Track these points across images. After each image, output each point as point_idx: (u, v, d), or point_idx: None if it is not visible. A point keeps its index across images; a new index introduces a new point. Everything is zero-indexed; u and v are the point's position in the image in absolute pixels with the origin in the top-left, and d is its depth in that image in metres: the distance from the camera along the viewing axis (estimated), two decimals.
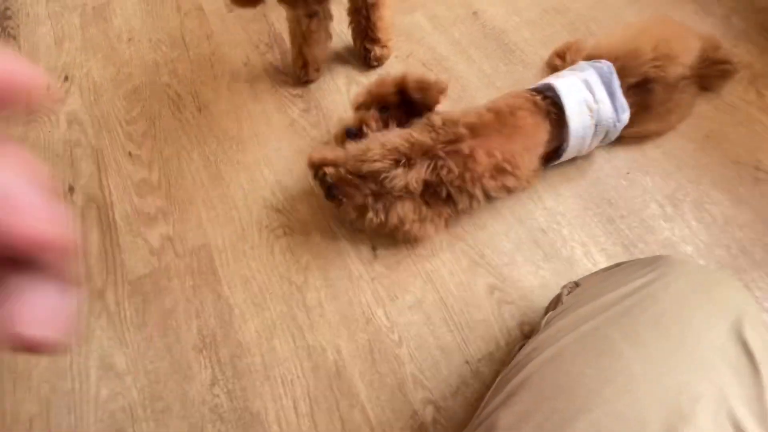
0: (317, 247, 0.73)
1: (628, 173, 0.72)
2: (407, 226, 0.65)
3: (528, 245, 0.69)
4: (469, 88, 0.86)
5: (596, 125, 0.65)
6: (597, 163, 0.74)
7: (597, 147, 0.72)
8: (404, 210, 0.64)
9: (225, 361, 0.65)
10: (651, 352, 0.33)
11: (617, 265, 0.49)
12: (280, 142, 0.84)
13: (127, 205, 0.81)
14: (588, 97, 0.64)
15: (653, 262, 0.43)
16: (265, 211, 0.77)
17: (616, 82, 0.65)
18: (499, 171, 0.63)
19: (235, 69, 0.95)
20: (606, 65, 0.67)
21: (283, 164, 0.82)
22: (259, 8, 1.03)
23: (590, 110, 0.64)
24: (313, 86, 0.90)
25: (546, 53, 0.87)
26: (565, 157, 0.70)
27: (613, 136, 0.69)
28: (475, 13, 0.95)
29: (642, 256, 0.65)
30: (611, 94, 0.65)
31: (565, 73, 0.69)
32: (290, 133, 0.85)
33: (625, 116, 0.66)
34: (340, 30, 0.94)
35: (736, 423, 0.29)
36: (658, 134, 0.74)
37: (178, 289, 0.72)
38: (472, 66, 0.88)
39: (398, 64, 0.91)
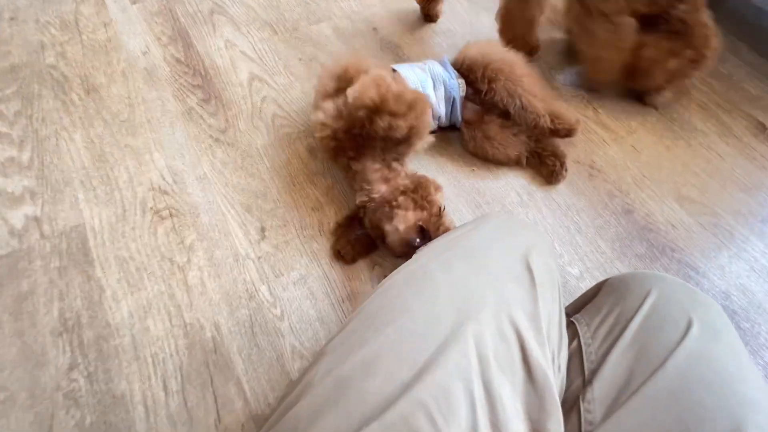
0: (204, 228, 0.72)
1: (473, 170, 0.84)
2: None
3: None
4: None
5: (432, 76, 0.77)
6: (471, 158, 0.85)
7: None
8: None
9: (89, 344, 0.61)
10: (456, 273, 0.40)
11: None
12: (174, 128, 0.84)
13: None
14: (419, 65, 0.79)
15: (480, 217, 0.52)
16: (152, 193, 0.75)
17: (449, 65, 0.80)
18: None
19: (133, 57, 0.94)
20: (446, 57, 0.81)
21: (175, 148, 0.81)
22: (165, 2, 1.04)
23: (420, 69, 0.78)
24: (215, 78, 0.92)
25: None
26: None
27: (454, 92, 0.79)
28: (375, 29, 1.06)
29: None
30: (445, 67, 0.79)
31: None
32: (186, 120, 0.85)
33: (461, 81, 0.79)
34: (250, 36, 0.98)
35: (513, 321, 0.36)
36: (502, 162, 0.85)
37: (40, 271, 0.66)
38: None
39: (301, 66, 0.96)
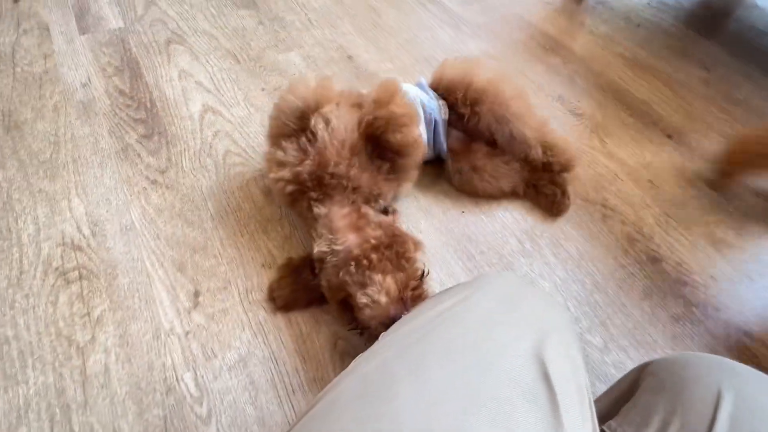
0: (121, 293, 0.57)
1: (462, 212, 0.69)
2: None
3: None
4: None
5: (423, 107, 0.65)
6: (459, 198, 0.71)
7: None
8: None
9: None
10: (430, 388, 0.25)
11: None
12: (103, 169, 0.70)
13: None
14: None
15: (473, 280, 0.37)
16: (61, 249, 0.60)
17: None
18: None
19: (70, 89, 0.82)
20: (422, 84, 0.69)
21: (101, 193, 0.67)
22: (117, 33, 0.95)
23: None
24: (161, 112, 0.80)
25: None
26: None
27: (436, 113, 0.66)
28: (350, 57, 0.96)
29: None
30: (421, 88, 0.68)
31: None
32: (120, 160, 0.72)
33: (441, 103, 0.67)
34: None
35: None
36: (489, 195, 0.72)
37: None
38: None
39: (264, 96, 0.84)
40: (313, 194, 0.54)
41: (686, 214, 0.72)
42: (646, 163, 0.79)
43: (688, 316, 0.60)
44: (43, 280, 0.57)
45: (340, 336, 0.55)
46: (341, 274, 0.48)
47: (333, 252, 0.50)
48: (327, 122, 0.54)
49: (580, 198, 0.73)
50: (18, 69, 0.85)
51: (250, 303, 0.57)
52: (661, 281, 0.63)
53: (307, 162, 0.53)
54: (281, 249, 0.63)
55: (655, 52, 1.03)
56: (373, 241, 0.50)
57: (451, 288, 0.41)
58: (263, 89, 0.86)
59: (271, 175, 0.56)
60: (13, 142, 0.72)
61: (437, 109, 0.66)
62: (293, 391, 0.50)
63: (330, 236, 0.50)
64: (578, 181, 0.75)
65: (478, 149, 0.68)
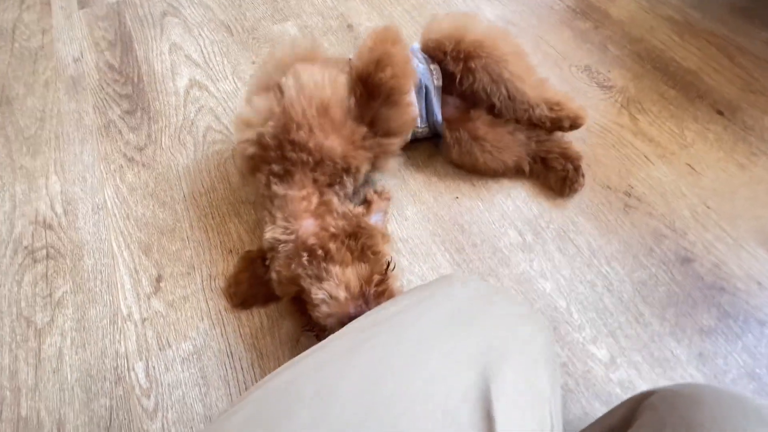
0: (84, 275, 0.55)
1: (456, 198, 0.61)
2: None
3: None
4: None
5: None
6: (454, 181, 0.63)
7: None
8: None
9: None
10: (332, 419, 0.19)
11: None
12: (83, 146, 0.68)
13: None
14: None
15: (434, 282, 0.31)
16: (33, 227, 0.59)
17: (416, 47, 0.59)
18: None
19: (63, 65, 0.81)
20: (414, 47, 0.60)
21: (78, 171, 0.65)
22: (114, 6, 0.92)
23: None
24: (147, 87, 0.77)
25: None
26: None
27: (427, 80, 0.58)
28: (349, 25, 0.88)
29: None
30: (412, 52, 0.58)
31: None
32: (100, 136, 0.69)
33: (434, 67, 0.58)
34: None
35: None
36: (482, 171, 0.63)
37: None
38: None
39: (253, 70, 0.79)
40: (275, 167, 0.48)
41: (732, 206, 0.60)
42: (687, 144, 0.67)
43: (722, 329, 0.50)
44: (12, 259, 0.56)
45: (303, 332, 0.50)
46: (293, 265, 0.43)
47: (285, 241, 0.44)
48: (297, 78, 0.48)
49: (600, 184, 0.62)
50: (16, 45, 0.85)
51: (212, 290, 0.53)
52: (691, 286, 0.53)
53: (270, 122, 0.47)
54: (252, 234, 0.58)
55: (713, 14, 0.87)
56: (332, 230, 0.44)
57: (410, 290, 0.34)
58: (253, 62, 0.81)
59: (236, 136, 0.51)
60: (2, 117, 0.72)
61: (427, 74, 0.57)
62: (242, 388, 0.46)
63: (283, 222, 0.45)
64: (599, 164, 0.64)
65: (477, 117, 0.59)
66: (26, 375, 0.47)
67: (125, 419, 0.45)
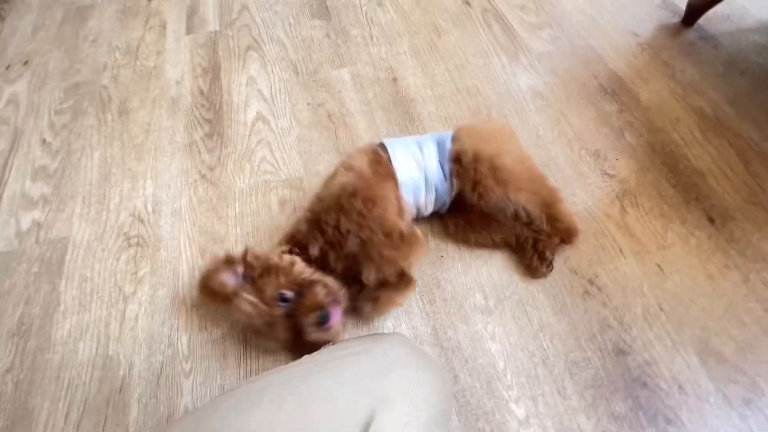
0: (159, 263, 0.76)
1: (441, 256, 0.73)
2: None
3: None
4: (359, 145, 0.90)
5: (425, 178, 0.69)
6: (443, 241, 0.76)
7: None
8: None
9: (28, 353, 0.68)
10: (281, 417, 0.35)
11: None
12: (172, 159, 0.90)
13: (17, 186, 0.87)
14: (416, 153, 0.69)
15: (370, 338, 0.46)
16: (131, 219, 0.82)
17: (449, 146, 0.69)
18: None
19: (168, 85, 1.03)
20: (447, 134, 0.71)
21: (167, 179, 0.87)
22: (212, 35, 1.13)
23: (417, 162, 0.68)
24: (225, 114, 0.97)
25: (442, 129, 0.91)
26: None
27: (445, 197, 0.71)
28: (395, 79, 1.01)
29: (447, 345, 0.66)
30: (441, 154, 0.70)
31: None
32: (185, 153, 0.91)
33: (455, 182, 0.69)
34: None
35: None
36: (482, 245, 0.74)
37: (22, 273, 0.76)
38: (371, 127, 0.93)
39: (307, 111, 0.96)
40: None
41: (685, 313, 0.67)
42: (665, 246, 0.73)
43: (631, 418, 0.59)
44: (115, 241, 0.79)
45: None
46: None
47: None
48: None
49: (569, 268, 0.72)
50: (138, 62, 1.09)
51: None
52: (617, 376, 0.62)
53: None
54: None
55: (748, 114, 0.89)
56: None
57: (358, 339, 0.49)
58: (308, 104, 0.97)
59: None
60: (121, 125, 0.96)
61: (448, 191, 0.69)
62: (250, 373, 0.65)
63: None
64: (574, 249, 0.74)
65: (473, 209, 0.71)
66: (114, 328, 0.70)
67: (170, 373, 0.65)
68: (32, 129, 0.96)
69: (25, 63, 1.10)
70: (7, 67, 1.10)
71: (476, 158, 0.67)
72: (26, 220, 0.82)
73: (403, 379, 0.42)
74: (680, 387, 0.61)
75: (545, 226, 0.69)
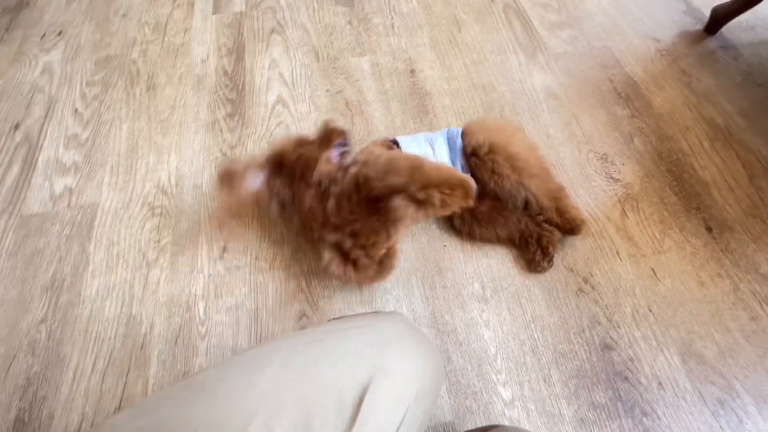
0: (180, 234, 0.81)
1: (445, 246, 0.77)
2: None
3: (352, 287, 0.75)
4: (374, 135, 0.93)
5: None
6: (447, 232, 0.80)
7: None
8: None
9: (60, 306, 0.74)
10: (238, 399, 0.39)
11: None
12: (196, 135, 0.94)
13: (51, 152, 0.93)
14: (428, 150, 0.72)
15: (372, 314, 0.50)
16: (155, 190, 0.87)
17: (459, 143, 0.72)
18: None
19: (194, 63, 1.07)
20: (456, 129, 0.74)
21: (189, 155, 0.91)
22: (238, 16, 1.16)
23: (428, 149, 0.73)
24: (247, 96, 1.00)
25: (455, 123, 0.94)
26: None
27: None
28: (413, 70, 1.03)
29: (443, 328, 0.70)
30: (452, 150, 0.73)
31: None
32: (207, 130, 0.95)
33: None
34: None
35: None
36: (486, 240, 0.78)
37: (55, 234, 0.82)
38: (386, 116, 0.96)
39: (325, 98, 0.99)
40: None
41: (673, 316, 0.70)
42: (661, 251, 0.76)
43: (609, 408, 0.63)
44: (140, 210, 0.84)
45: (305, 313, 0.72)
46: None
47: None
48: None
49: (565, 265, 0.75)
50: (166, 39, 1.13)
51: (255, 268, 0.77)
52: (601, 369, 0.66)
53: None
54: (290, 231, 0.80)
55: (760, 127, 0.90)
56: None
57: (361, 315, 0.54)
58: (327, 90, 1.01)
59: None
60: (148, 99, 1.01)
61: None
62: (260, 339, 0.70)
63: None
64: (572, 247, 0.77)
65: (482, 201, 0.74)
66: (137, 290, 0.76)
67: (187, 335, 0.71)
68: (65, 98, 1.02)
69: (59, 33, 1.15)
70: (42, 37, 1.14)
71: (492, 149, 0.71)
72: (59, 185, 0.88)
73: (400, 352, 0.47)
74: (659, 383, 0.65)
75: (554, 216, 0.73)
